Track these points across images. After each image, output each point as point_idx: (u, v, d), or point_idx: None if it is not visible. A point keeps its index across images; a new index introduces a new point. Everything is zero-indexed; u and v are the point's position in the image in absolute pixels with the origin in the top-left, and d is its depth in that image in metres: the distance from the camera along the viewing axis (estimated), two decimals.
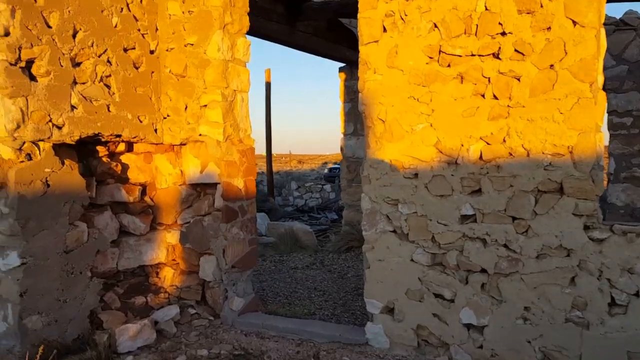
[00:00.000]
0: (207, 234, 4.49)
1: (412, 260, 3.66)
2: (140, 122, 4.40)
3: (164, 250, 4.80)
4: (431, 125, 3.59)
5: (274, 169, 22.00)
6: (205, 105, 4.45)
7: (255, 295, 4.78)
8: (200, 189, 4.78)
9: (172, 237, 4.77)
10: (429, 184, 3.59)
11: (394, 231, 3.72)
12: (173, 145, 4.81)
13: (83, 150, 4.25)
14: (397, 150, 3.69)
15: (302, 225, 9.00)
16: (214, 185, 4.55)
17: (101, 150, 4.44)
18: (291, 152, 53.94)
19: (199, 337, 4.19)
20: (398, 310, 3.74)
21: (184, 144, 4.70)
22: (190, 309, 4.54)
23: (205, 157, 4.53)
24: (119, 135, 4.24)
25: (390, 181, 3.71)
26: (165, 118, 4.59)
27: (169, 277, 4.80)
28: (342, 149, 8.67)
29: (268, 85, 16.68)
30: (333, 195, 16.51)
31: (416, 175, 3.63)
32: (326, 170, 31.01)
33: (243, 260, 4.56)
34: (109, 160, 4.50)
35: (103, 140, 4.23)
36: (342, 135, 8.69)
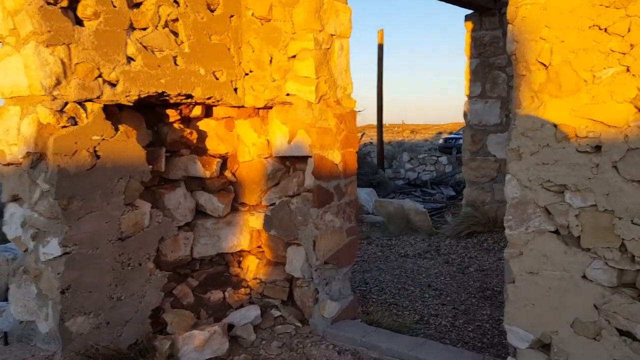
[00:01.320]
0: (295, 220, 3.58)
1: (584, 277, 2.42)
2: (217, 79, 3.56)
3: (247, 235, 3.99)
4: (628, 70, 2.27)
5: (385, 139, 20.79)
6: (294, 56, 3.47)
7: (354, 298, 3.81)
8: (290, 163, 3.87)
9: (256, 220, 3.94)
10: (620, 163, 2.30)
11: (556, 232, 2.50)
12: (258, 109, 3.94)
13: (149, 115, 3.52)
14: (567, 110, 2.43)
15: (415, 203, 7.84)
16: (304, 158, 3.60)
17: (172, 114, 3.68)
18: (404, 122, 51.94)
19: (282, 349, 3.33)
20: (558, 348, 2.53)
21: (270, 107, 3.80)
22: (274, 310, 3.70)
23: (294, 123, 3.58)
24: (190, 96, 3.44)
25: (554, 157, 2.47)
26: (247, 75, 3.70)
27: (252, 268, 4.00)
28: (465, 115, 7.30)
29: (380, 48, 15.40)
30: (449, 168, 14.98)
31: (598, 148, 2.36)
32: (441, 141, 28.97)
33: (338, 254, 3.60)
34: (182, 126, 3.74)
35: (171, 101, 3.45)
36: (465, 99, 7.30)
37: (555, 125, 2.48)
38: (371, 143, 17.25)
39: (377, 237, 7.10)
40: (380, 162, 16.43)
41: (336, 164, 3.54)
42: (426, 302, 4.43)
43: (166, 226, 3.37)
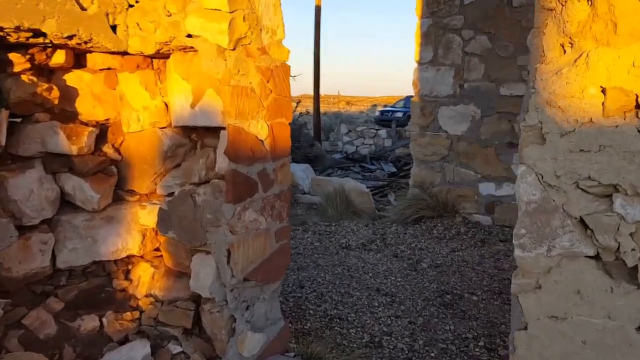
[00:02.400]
0: (202, 219, 2.52)
1: None
2: (83, 8, 2.37)
3: (138, 235, 2.89)
4: None
5: (321, 110, 19.83)
6: None
7: (285, 324, 2.83)
8: (197, 135, 2.78)
9: (148, 215, 2.84)
10: None
11: (597, 257, 1.62)
12: (150, 58, 2.80)
13: None
14: (626, 67, 1.53)
15: (356, 183, 6.94)
16: (216, 130, 2.53)
17: (18, 60, 2.47)
18: (339, 93, 51.25)
19: None
20: None
21: (167, 55, 2.67)
22: (172, 343, 2.64)
23: (200, 79, 2.49)
24: (40, 33, 2.25)
25: (599, 141, 1.57)
26: (131, 6, 2.53)
27: (145, 280, 2.91)
28: (414, 85, 6.42)
29: (318, 10, 14.23)
30: (389, 142, 14.30)
31: None
32: (377, 113, 28.42)
33: (264, 267, 2.59)
34: (35, 79, 2.53)
35: (11, 40, 2.25)
36: (415, 66, 6.41)
37: (603, 90, 1.57)
38: (307, 113, 16.20)
39: (314, 222, 6.16)
40: (317, 134, 15.47)
41: (261, 140, 2.49)
42: (376, 313, 3.54)
43: None
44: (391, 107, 30.07)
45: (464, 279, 4.27)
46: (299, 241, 5.36)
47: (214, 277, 2.51)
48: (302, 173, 7.48)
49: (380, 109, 33.09)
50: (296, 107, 13.89)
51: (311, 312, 3.54)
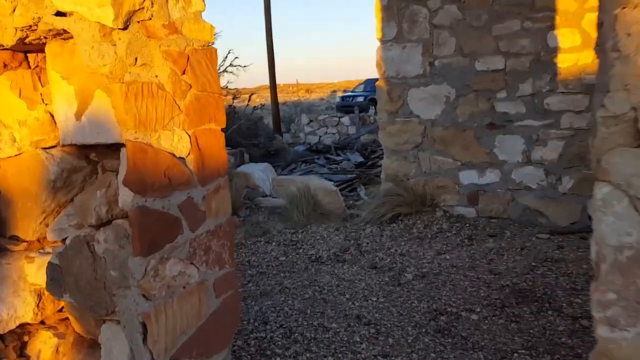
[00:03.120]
0: (105, 277, 1.75)
1: None
2: None
3: (30, 296, 2.09)
4: None
5: (280, 99, 18.98)
6: None
7: None
8: (97, 155, 2.00)
9: (38, 271, 2.04)
10: None
11: None
12: (24, 52, 1.98)
13: None
14: None
15: (322, 181, 6.23)
16: (118, 147, 1.75)
17: None
18: (298, 81, 50.50)
19: None
20: None
21: (42, 46, 1.86)
22: None
23: (82, 77, 1.71)
24: None
25: None
26: None
27: (47, 356, 2.12)
28: (378, 66, 5.72)
29: None
30: (353, 129, 13.62)
31: None
32: (338, 99, 27.73)
33: (202, 336, 1.84)
34: None
35: None
36: (377, 45, 5.70)
37: None
38: (262, 107, 15.36)
39: (278, 230, 5.43)
40: (277, 126, 14.68)
41: (180, 159, 1.73)
42: (359, 353, 2.84)
43: None
44: (351, 92, 29.42)
45: (457, 290, 3.63)
46: (261, 257, 4.62)
47: (127, 355, 1.75)
48: (261, 173, 6.71)
49: (341, 94, 32.42)
50: (249, 99, 13.03)
51: (278, 356, 2.83)
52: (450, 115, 5.29)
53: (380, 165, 9.64)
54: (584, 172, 4.67)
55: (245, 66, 7.37)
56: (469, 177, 5.28)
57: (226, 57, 6.82)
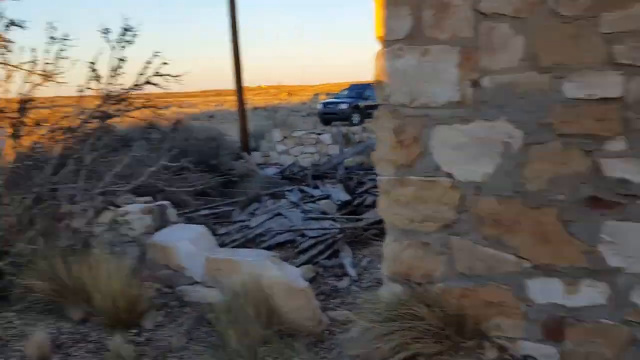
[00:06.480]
0: None
1: None
2: None
3: None
4: None
5: (260, 102, 16.42)
6: None
7: None
8: None
9: None
10: None
11: None
12: None
13: None
14: None
15: (283, 274, 3.76)
16: None
17: None
18: (280, 83, 48.27)
19: None
20: None
21: None
22: None
23: None
24: None
25: None
26: None
27: None
28: (377, 83, 3.31)
29: None
30: (334, 149, 11.20)
31: None
32: (319, 106, 25.31)
33: None
34: None
35: None
36: (378, 48, 3.30)
37: None
38: (229, 114, 12.85)
39: None
40: (245, 142, 12.19)
41: None
42: None
43: None
44: (335, 97, 27.00)
45: None
46: None
47: None
48: (190, 246, 4.22)
49: (324, 99, 29.97)
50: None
51: None
52: (512, 177, 2.90)
53: (370, 206, 7.25)
54: None
55: (177, 76, 4.88)
56: (546, 290, 2.90)
57: (149, 63, 4.34)
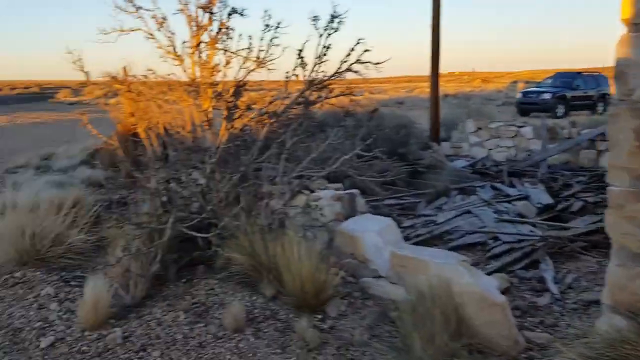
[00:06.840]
0: None
1: None
2: None
3: None
4: None
5: (450, 90, 15.89)
6: None
7: None
8: None
9: None
10: None
11: None
12: None
13: None
14: None
15: (475, 280, 3.43)
16: None
17: None
18: (474, 69, 46.05)
19: None
20: None
21: None
22: None
23: None
24: None
25: None
26: None
27: None
28: (620, 75, 2.73)
29: None
30: (535, 144, 10.14)
31: None
32: (519, 95, 23.36)
33: None
34: None
35: None
36: (623, 33, 2.72)
37: None
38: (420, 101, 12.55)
39: None
40: (435, 132, 11.79)
41: None
42: None
43: None
44: (536, 86, 24.65)
45: None
46: None
47: None
48: (376, 238, 4.14)
49: (524, 88, 27.62)
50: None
51: None
52: None
53: (577, 212, 6.35)
54: None
55: (378, 63, 4.79)
56: None
57: (352, 50, 4.36)
